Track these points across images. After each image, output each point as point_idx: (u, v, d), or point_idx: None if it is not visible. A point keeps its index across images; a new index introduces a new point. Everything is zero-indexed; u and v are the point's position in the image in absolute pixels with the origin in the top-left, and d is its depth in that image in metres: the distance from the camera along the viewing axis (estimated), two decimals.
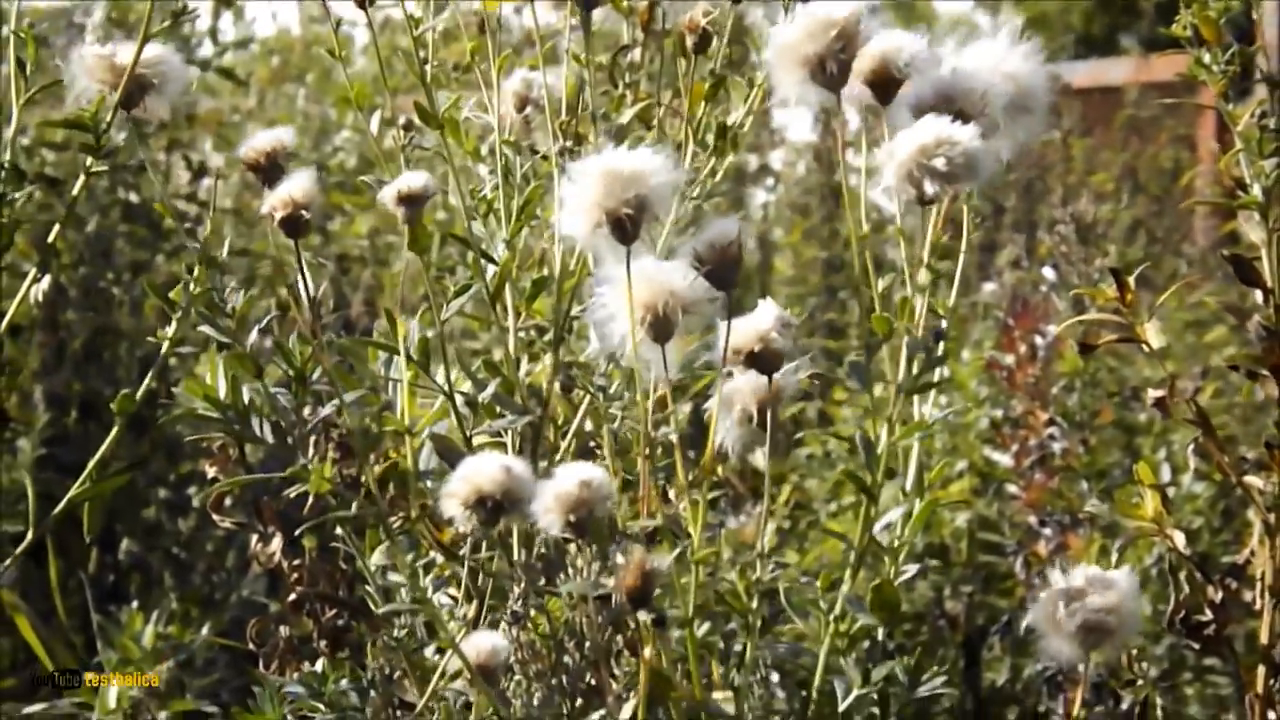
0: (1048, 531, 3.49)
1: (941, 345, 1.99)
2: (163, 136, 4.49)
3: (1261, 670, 1.99)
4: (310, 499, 2.04)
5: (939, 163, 1.77)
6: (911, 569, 2.10)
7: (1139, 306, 1.98)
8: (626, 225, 1.71)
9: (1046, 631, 1.80)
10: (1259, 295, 1.96)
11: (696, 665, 1.88)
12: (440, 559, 2.11)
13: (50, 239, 2.16)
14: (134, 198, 4.07)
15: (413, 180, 2.03)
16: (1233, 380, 3.71)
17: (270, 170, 2.01)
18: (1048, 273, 4.52)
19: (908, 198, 1.81)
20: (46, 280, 2.16)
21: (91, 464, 2.09)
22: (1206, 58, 2.01)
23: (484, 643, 1.86)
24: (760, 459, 4.39)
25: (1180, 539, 1.97)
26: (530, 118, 2.34)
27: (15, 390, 3.92)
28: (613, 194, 1.72)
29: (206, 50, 5.14)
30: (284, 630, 2.18)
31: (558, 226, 1.80)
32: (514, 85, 2.34)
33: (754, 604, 1.94)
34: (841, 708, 2.01)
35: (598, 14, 2.21)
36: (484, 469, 1.75)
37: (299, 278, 1.99)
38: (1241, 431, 3.64)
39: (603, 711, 1.92)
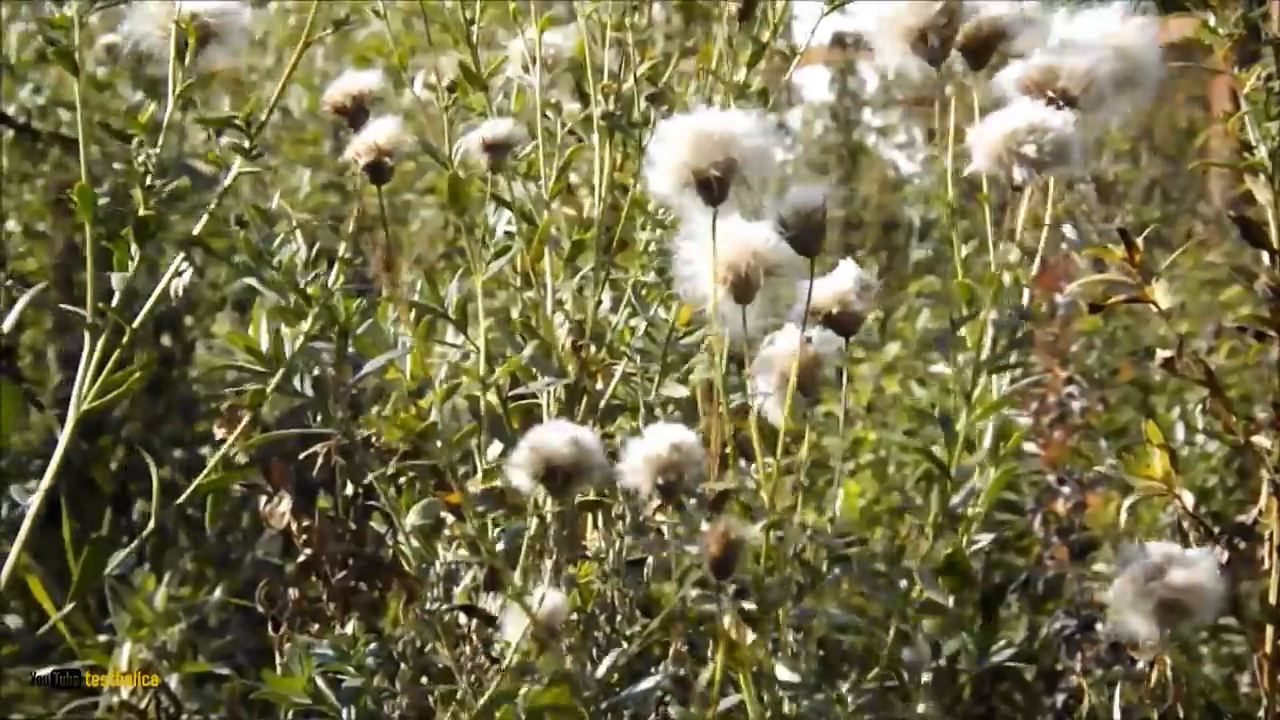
0: (1066, 490, 3.49)
1: (1025, 323, 1.99)
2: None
3: (1270, 630, 1.99)
4: (320, 460, 2.04)
5: (1029, 149, 1.76)
6: (986, 538, 2.09)
7: (1147, 266, 1.97)
8: (714, 186, 1.71)
9: (1124, 608, 1.79)
10: (1265, 256, 1.96)
11: (765, 629, 1.87)
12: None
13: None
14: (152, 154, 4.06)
15: (499, 127, 2.05)
16: (1247, 340, 3.71)
17: (356, 114, 2.04)
18: (1068, 231, 4.50)
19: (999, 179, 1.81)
20: (188, 273, 2.15)
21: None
22: (1213, 20, 2.00)
23: (549, 600, 1.84)
24: (774, 416, 4.41)
25: (1189, 498, 1.96)
26: (557, 79, 2.34)
27: (29, 350, 3.94)
28: (702, 154, 1.71)
29: None
30: (293, 592, 2.17)
31: (646, 184, 1.81)
32: (520, 46, 2.33)
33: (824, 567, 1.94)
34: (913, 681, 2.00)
35: None
36: (552, 440, 1.73)
37: (381, 227, 1.98)
38: (1257, 391, 3.63)
39: (670, 671, 1.92)
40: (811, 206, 1.80)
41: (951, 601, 2.01)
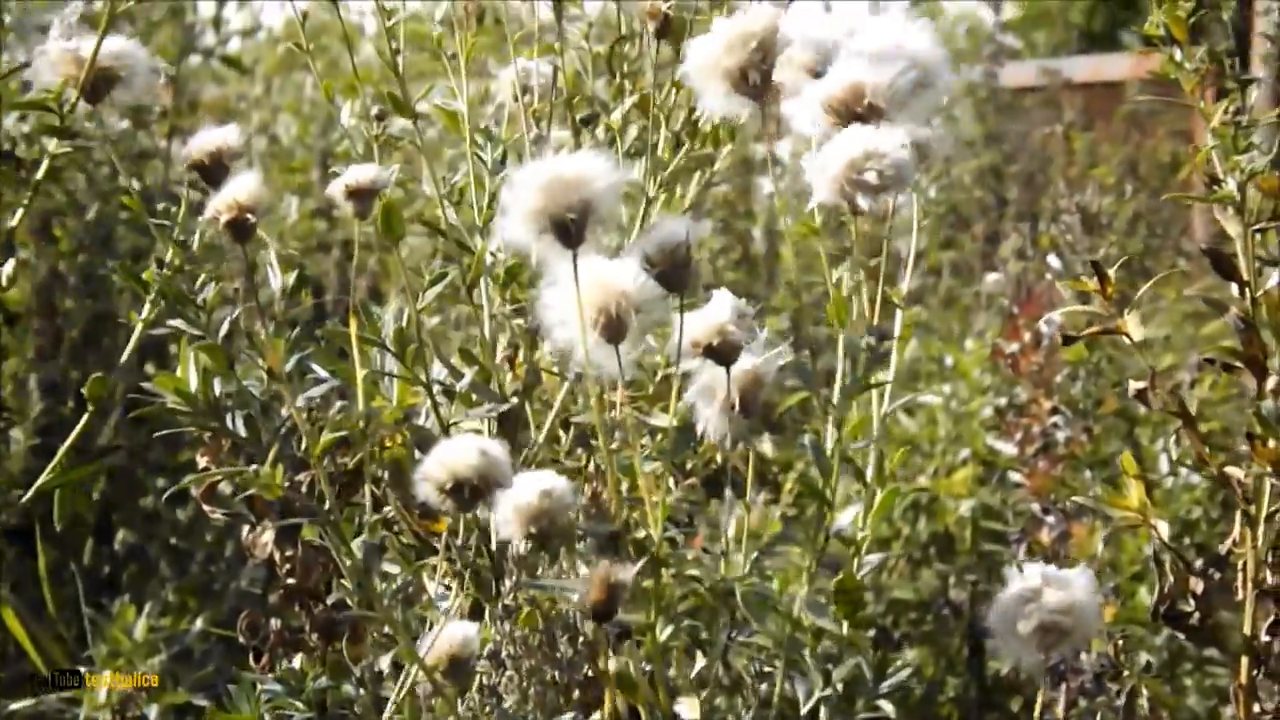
0: (1051, 519, 3.49)
1: (885, 343, 1.99)
2: (164, 124, 4.50)
3: (1245, 661, 1.99)
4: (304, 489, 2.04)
5: (870, 176, 1.77)
6: (874, 558, 2.09)
7: (1122, 299, 1.98)
8: (570, 229, 1.70)
9: (1002, 633, 1.77)
10: (1235, 288, 1.97)
11: (661, 669, 1.87)
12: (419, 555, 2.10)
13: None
14: (135, 184, 4.07)
15: (361, 173, 2.01)
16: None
17: (214, 171, 1.97)
18: (1053, 261, 4.51)
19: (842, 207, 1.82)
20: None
21: (61, 451, 2.08)
22: (1179, 55, 2.01)
23: (456, 633, 1.84)
24: (765, 446, 4.43)
25: (1164, 529, 1.97)
26: (529, 105, 2.34)
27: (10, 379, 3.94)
28: (555, 199, 1.70)
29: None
30: (275, 623, 2.17)
31: (500, 234, 1.80)
32: (510, 74, 2.33)
33: (719, 604, 1.94)
34: (804, 710, 2.00)
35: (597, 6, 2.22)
36: (459, 452, 1.72)
37: (268, 269, 1.98)
38: (1238, 423, 3.64)
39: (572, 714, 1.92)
40: (676, 241, 1.79)
41: (845, 626, 2.02)
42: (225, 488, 2.17)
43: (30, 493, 2.09)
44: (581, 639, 1.94)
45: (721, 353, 1.84)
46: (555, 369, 2.23)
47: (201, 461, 2.16)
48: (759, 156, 6.90)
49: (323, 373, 2.02)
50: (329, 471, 2.05)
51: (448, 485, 1.70)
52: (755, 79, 1.84)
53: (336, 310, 5.18)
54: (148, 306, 2.09)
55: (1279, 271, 1.97)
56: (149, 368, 3.97)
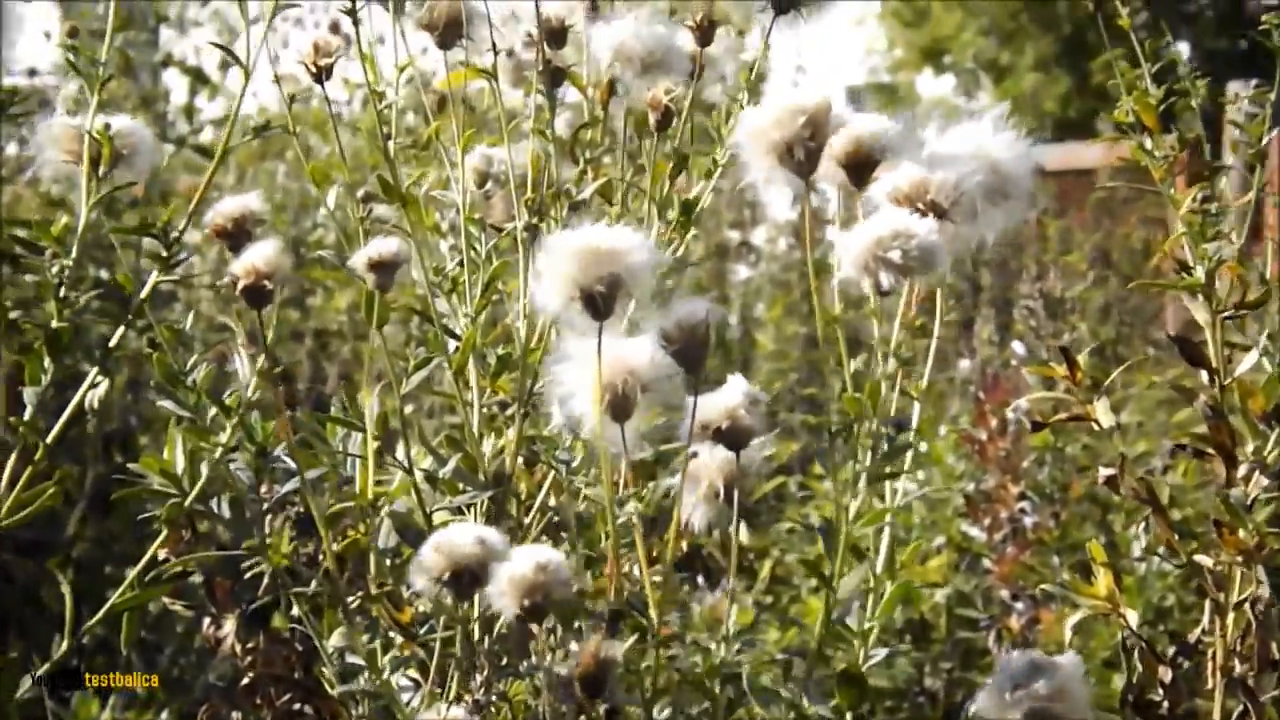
0: (1020, 606, 3.48)
1: (906, 434, 1.98)
2: (135, 213, 4.49)
3: None
4: (266, 578, 2.02)
5: (894, 255, 1.77)
6: (881, 652, 2.08)
7: (1092, 385, 1.98)
8: (599, 302, 1.70)
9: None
10: (1205, 375, 1.97)
11: None
12: (399, 639, 2.08)
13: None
14: (104, 274, 4.06)
15: (384, 247, 2.01)
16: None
17: (237, 237, 2.00)
18: (1017, 348, 4.52)
19: (866, 287, 1.81)
20: (103, 386, 2.15)
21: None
22: (1149, 143, 2.02)
23: None
24: (740, 534, 4.43)
25: (1133, 617, 1.96)
26: (490, 193, 2.33)
27: None
28: (587, 270, 1.70)
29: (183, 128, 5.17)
30: (237, 716, 2.15)
31: (531, 298, 1.79)
32: (475, 161, 2.33)
33: (717, 688, 1.92)
34: None
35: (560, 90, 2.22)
36: (458, 540, 1.71)
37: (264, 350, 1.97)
38: (1210, 510, 3.63)
39: None
40: (695, 321, 1.79)
41: (848, 715, 2.00)
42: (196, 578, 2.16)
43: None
44: None
45: (730, 436, 1.84)
46: (529, 457, 2.22)
47: (162, 554, 2.14)
48: (734, 243, 6.94)
49: (290, 463, 2.00)
50: (302, 558, 2.04)
51: (446, 573, 1.70)
52: (801, 155, 1.82)
53: (309, 398, 5.17)
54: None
55: (1248, 358, 1.97)
56: (117, 457, 3.95)
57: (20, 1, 4.51)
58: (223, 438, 2.02)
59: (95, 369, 2.12)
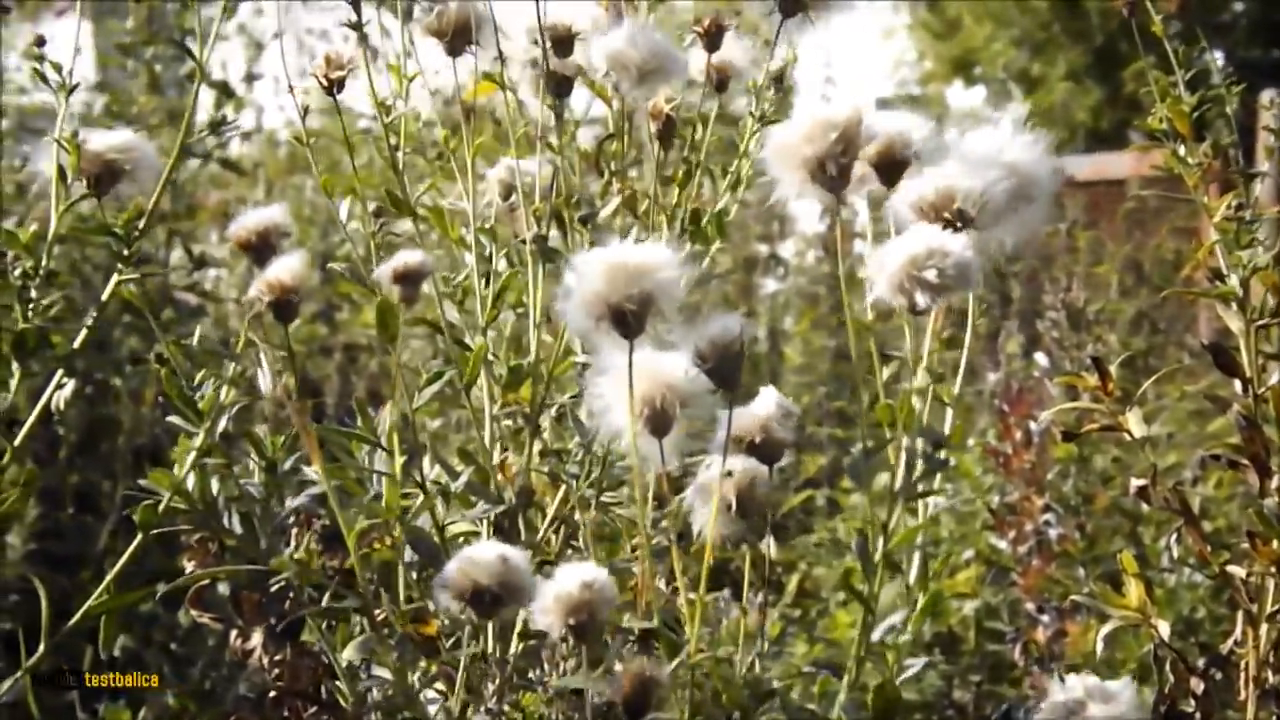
0: (1046, 618, 3.47)
1: (941, 449, 1.97)
2: (163, 228, 4.49)
3: None
4: (291, 592, 2.01)
5: (930, 274, 1.73)
6: (917, 664, 2.07)
7: (1124, 396, 1.97)
8: (629, 319, 1.68)
9: None
10: (1238, 385, 1.96)
11: None
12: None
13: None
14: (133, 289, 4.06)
15: (410, 258, 2.01)
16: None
17: (261, 250, 1.98)
18: (1040, 359, 4.51)
19: (900, 307, 1.79)
20: (69, 388, 2.14)
21: None
22: (1182, 151, 2.01)
23: None
24: (766, 548, 4.41)
25: (1164, 628, 1.94)
26: (515, 205, 2.32)
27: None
28: (617, 287, 1.68)
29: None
30: None
31: (559, 315, 1.77)
32: (499, 173, 2.32)
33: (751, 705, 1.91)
34: None
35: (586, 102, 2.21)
36: (481, 559, 1.71)
37: (283, 364, 1.96)
38: (1242, 521, 3.62)
39: None
40: (729, 338, 1.77)
41: None
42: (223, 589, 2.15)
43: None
44: None
45: (764, 449, 1.84)
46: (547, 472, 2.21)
47: (189, 566, 2.14)
48: (762, 257, 6.94)
49: (312, 474, 1.99)
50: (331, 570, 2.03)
51: (468, 592, 1.69)
52: (833, 170, 1.80)
53: (337, 413, 5.17)
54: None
55: None
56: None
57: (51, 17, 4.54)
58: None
59: (60, 373, 2.12)
